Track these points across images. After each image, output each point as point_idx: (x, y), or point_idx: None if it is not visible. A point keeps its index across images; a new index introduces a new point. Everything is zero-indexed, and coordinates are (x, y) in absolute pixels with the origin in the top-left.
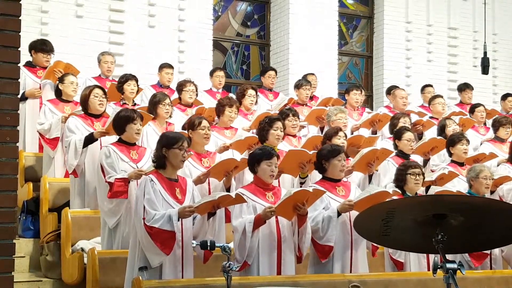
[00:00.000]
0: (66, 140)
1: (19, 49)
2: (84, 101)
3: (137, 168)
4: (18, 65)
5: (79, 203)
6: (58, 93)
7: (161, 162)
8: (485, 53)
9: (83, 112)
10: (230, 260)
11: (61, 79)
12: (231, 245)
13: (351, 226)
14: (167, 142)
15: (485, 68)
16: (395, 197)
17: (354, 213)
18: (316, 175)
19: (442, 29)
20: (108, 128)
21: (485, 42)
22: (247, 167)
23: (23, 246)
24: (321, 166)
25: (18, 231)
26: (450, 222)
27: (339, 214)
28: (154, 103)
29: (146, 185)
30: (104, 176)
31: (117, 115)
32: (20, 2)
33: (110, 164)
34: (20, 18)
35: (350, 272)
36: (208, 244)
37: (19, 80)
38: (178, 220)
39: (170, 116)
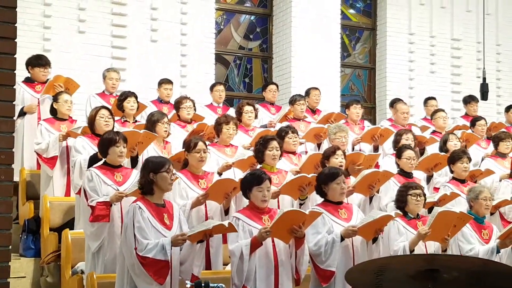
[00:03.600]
0: (72, 159)
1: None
2: (91, 122)
3: (117, 190)
4: (14, 87)
5: (84, 223)
6: (53, 111)
7: (148, 187)
8: (484, 79)
9: (80, 130)
10: None
11: (55, 98)
12: (229, 267)
13: (353, 251)
14: (154, 167)
15: (484, 94)
16: (398, 219)
17: (357, 238)
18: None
19: (445, 41)
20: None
21: (484, 68)
22: None
23: (24, 266)
24: (321, 191)
25: (20, 250)
26: (443, 277)
27: (342, 238)
28: (152, 122)
29: (135, 213)
30: (87, 200)
31: (101, 138)
32: (16, 10)
33: (92, 188)
34: (15, 25)
35: None
36: (203, 284)
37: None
38: (171, 249)
39: (168, 135)
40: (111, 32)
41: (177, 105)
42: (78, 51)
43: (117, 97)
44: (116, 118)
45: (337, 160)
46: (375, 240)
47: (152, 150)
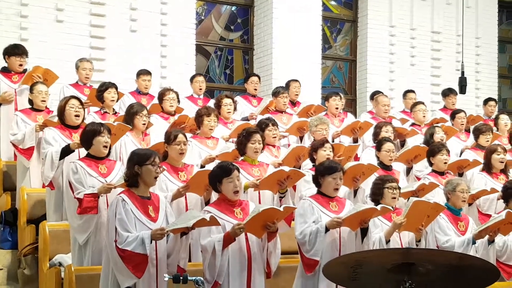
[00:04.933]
0: (42, 152)
1: None
2: (61, 113)
3: (106, 182)
4: None
5: (56, 216)
6: (30, 102)
7: (133, 180)
8: (462, 72)
9: (57, 120)
10: None
11: (30, 89)
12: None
13: (340, 243)
14: (139, 159)
15: (462, 88)
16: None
17: (344, 230)
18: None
19: (425, 33)
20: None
21: (462, 62)
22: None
23: (1, 258)
24: (317, 181)
25: None
26: (419, 270)
27: (327, 229)
28: (131, 114)
29: (117, 205)
30: (73, 192)
31: (84, 130)
32: None
33: (77, 180)
34: None
35: (336, 287)
36: (181, 277)
37: None
38: (151, 243)
39: (148, 127)
40: (89, 22)
41: (161, 96)
42: (55, 40)
43: (91, 88)
44: (95, 109)
45: (325, 153)
46: (365, 233)
47: (130, 143)
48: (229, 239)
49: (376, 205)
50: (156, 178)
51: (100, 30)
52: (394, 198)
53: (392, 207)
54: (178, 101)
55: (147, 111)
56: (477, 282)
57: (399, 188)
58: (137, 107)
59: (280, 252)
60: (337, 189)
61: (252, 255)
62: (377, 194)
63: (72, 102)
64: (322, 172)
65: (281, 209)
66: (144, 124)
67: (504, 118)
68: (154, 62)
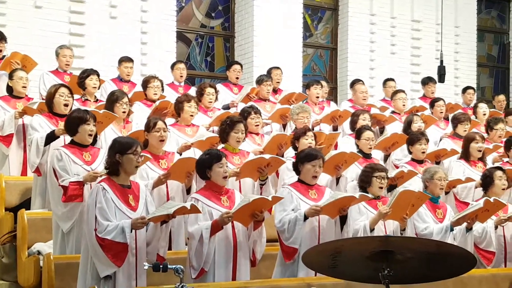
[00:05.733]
0: (28, 138)
1: None
2: (49, 100)
3: (91, 170)
4: None
5: (40, 202)
6: (9, 89)
7: (114, 168)
8: (441, 61)
9: (37, 107)
10: (182, 281)
11: (10, 75)
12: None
13: (319, 231)
14: (121, 148)
15: (441, 77)
16: None
17: (323, 218)
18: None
19: (405, 22)
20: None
21: (441, 51)
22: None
23: None
24: (297, 168)
25: None
26: (397, 257)
27: (306, 217)
28: (111, 102)
29: (97, 193)
30: (57, 180)
31: (69, 116)
32: None
33: (62, 167)
34: None
35: (315, 275)
36: (161, 266)
37: None
38: (131, 232)
39: (129, 114)
40: (69, 8)
41: (145, 84)
42: (34, 26)
43: (71, 75)
44: (76, 96)
45: (307, 141)
46: (344, 221)
47: (110, 130)
48: (216, 227)
49: (364, 193)
50: (137, 167)
51: (80, 16)
52: (381, 188)
53: (378, 196)
54: (162, 89)
55: (128, 99)
56: (454, 269)
57: (388, 178)
58: (117, 94)
59: (265, 240)
60: (315, 177)
61: (238, 243)
62: (365, 182)
63: (62, 91)
64: (302, 159)
65: (270, 198)
66: (124, 111)
67: (482, 107)
68: (134, 49)
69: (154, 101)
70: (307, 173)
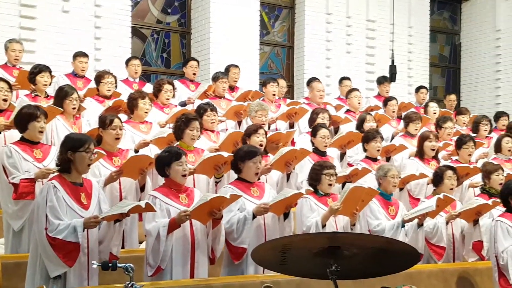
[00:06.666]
0: None
1: None
2: None
3: (43, 167)
4: None
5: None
6: None
7: (66, 166)
8: (392, 61)
9: None
10: (132, 280)
11: None
12: (143, 245)
13: (265, 229)
14: (73, 144)
15: (392, 76)
16: (309, 196)
17: (268, 216)
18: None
19: (360, 22)
20: (12, 121)
21: (393, 50)
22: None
23: None
24: (236, 167)
25: None
26: (344, 253)
27: (254, 216)
28: (60, 97)
29: (48, 192)
30: (7, 177)
31: (20, 112)
32: None
33: (12, 164)
34: None
35: (263, 272)
36: (110, 265)
37: None
38: (83, 231)
39: (79, 111)
40: (19, 1)
41: (98, 79)
42: None
43: (20, 69)
44: (26, 92)
45: (258, 139)
46: (286, 216)
47: (61, 126)
48: (174, 225)
49: (314, 191)
50: (89, 165)
51: (31, 10)
52: (331, 185)
53: (328, 193)
54: (116, 86)
55: (78, 94)
56: (399, 265)
57: (336, 175)
58: (66, 90)
59: (224, 238)
60: (257, 174)
61: (196, 241)
62: (314, 179)
63: (0, 85)
64: (243, 157)
65: (228, 196)
66: (74, 108)
67: (433, 106)
68: (87, 44)
69: (107, 97)
70: (248, 170)
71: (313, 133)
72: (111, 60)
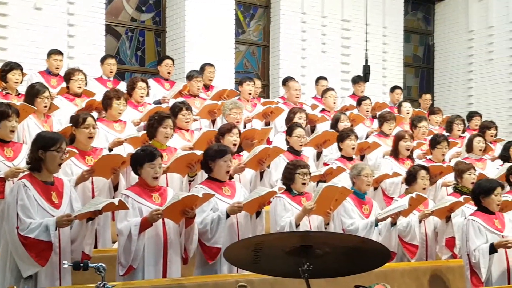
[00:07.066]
0: None
1: None
2: None
3: (13, 166)
4: None
5: None
6: None
7: (36, 164)
8: (366, 60)
9: None
10: (104, 280)
11: None
12: (116, 245)
13: (238, 227)
14: (44, 143)
15: (366, 76)
16: (283, 196)
17: (241, 214)
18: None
19: (335, 21)
20: None
21: (366, 50)
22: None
23: None
24: (207, 166)
25: None
26: (316, 252)
27: (227, 215)
28: (31, 95)
29: (19, 190)
30: None
31: None
32: None
33: None
34: None
35: (237, 272)
36: (81, 264)
37: None
38: (56, 230)
39: (51, 110)
40: None
41: (67, 76)
42: None
43: None
44: None
45: (232, 138)
46: (258, 214)
47: (33, 125)
48: (146, 224)
49: (288, 190)
50: (60, 165)
51: (2, 6)
52: (304, 184)
53: (302, 192)
54: (86, 83)
55: (49, 92)
56: (370, 263)
57: (310, 173)
58: (38, 88)
59: (197, 237)
60: (228, 172)
61: (169, 241)
62: (288, 179)
63: None
64: (213, 156)
65: (201, 195)
66: (45, 106)
67: (406, 106)
68: (61, 41)
69: (77, 95)
70: (220, 169)
71: (289, 132)
72: (85, 58)
